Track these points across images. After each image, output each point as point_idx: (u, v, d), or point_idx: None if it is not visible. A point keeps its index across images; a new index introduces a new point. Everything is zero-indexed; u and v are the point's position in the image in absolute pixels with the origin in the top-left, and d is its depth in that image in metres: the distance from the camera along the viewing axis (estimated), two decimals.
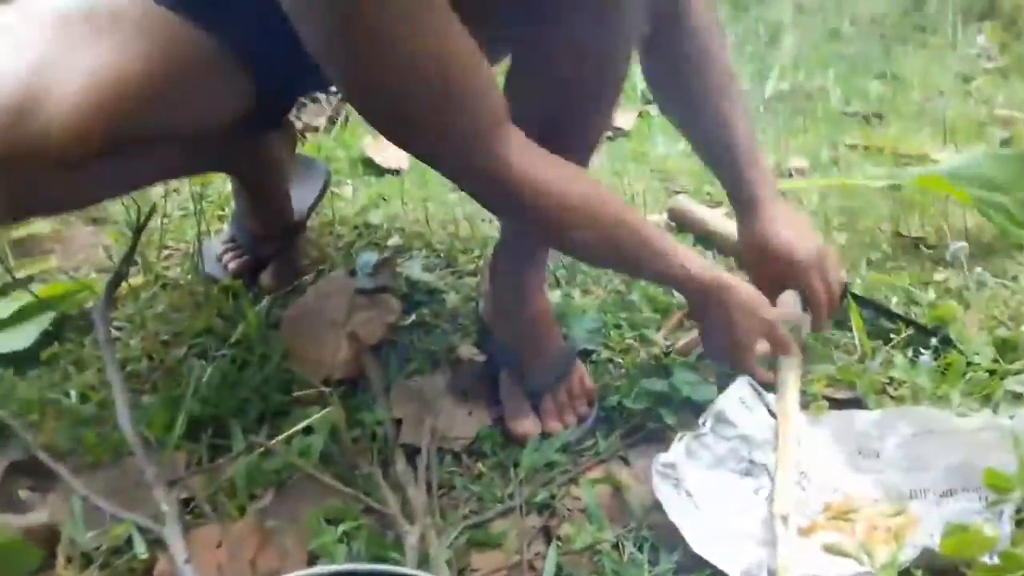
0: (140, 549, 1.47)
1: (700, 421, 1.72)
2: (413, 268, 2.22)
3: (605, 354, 1.96)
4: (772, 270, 1.85)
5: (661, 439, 1.76)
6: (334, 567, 1.12)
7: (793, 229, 1.85)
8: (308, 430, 1.71)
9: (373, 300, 2.08)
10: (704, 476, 1.66)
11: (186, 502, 1.58)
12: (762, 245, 1.86)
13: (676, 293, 2.11)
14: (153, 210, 2.01)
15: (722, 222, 2.41)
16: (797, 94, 3.81)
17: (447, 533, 1.52)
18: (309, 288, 2.12)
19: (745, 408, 1.71)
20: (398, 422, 1.76)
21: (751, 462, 1.68)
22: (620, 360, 1.94)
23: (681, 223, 2.52)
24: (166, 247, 2.40)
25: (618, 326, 2.04)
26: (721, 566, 1.49)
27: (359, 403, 1.80)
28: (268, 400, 1.81)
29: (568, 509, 1.63)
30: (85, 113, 1.28)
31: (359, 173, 2.98)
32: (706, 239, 2.45)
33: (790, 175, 2.95)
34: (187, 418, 1.71)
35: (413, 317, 2.06)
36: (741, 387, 1.73)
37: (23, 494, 1.61)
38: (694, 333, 1.86)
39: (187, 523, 1.52)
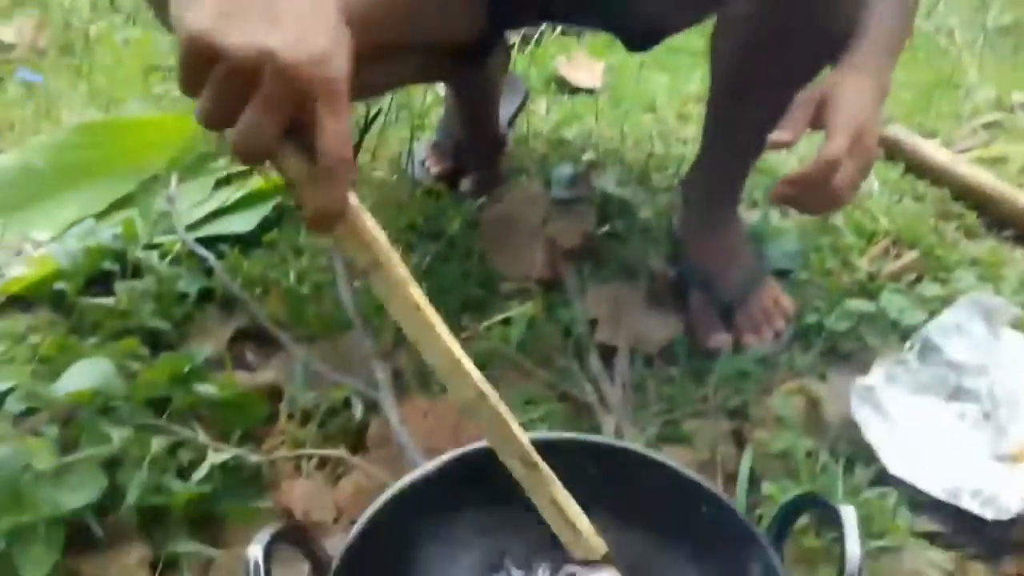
0: (357, 411, 1.57)
1: (906, 346, 1.68)
2: (607, 182, 2.23)
3: (804, 276, 1.92)
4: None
5: (860, 361, 1.73)
6: (538, 433, 1.17)
7: (855, 96, 1.55)
8: (507, 322, 1.77)
9: (568, 209, 2.11)
10: (905, 401, 1.62)
11: (394, 376, 1.68)
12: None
13: (882, 219, 2.05)
14: (379, 113, 2.10)
15: (936, 152, 2.30)
16: (1020, 28, 3.54)
17: (641, 425, 1.56)
18: (507, 196, 2.18)
19: (959, 333, 1.65)
20: (592, 323, 1.79)
21: (958, 388, 1.62)
22: (821, 282, 1.90)
23: (892, 152, 2.41)
24: (372, 152, 2.51)
25: (819, 250, 1.99)
26: (921, 486, 1.47)
27: (555, 303, 1.84)
28: (468, 293, 1.88)
29: (761, 417, 1.63)
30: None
31: (551, 91, 3.00)
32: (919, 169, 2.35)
33: (1011, 110, 2.76)
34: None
35: (607, 228, 2.08)
36: (959, 311, 1.66)
37: (250, 357, 1.75)
38: (905, 259, 1.80)
39: (396, 394, 1.61)
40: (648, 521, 1.09)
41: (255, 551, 0.84)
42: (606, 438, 1.18)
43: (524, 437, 1.01)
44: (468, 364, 0.96)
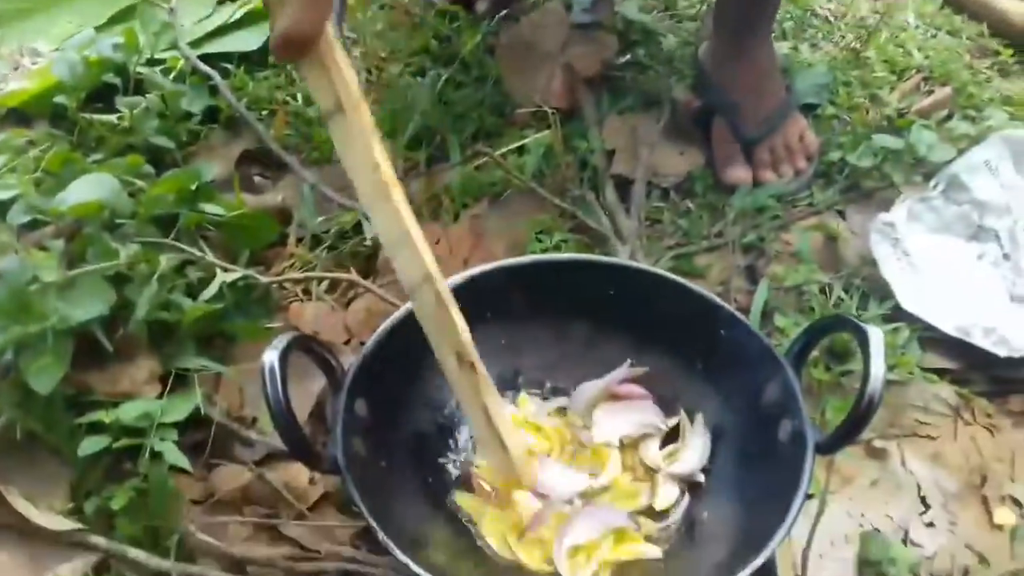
0: (368, 234, 1.54)
1: (931, 183, 1.64)
2: (630, 8, 2.12)
3: (831, 111, 1.85)
4: None
5: (881, 199, 1.69)
6: (552, 256, 1.14)
7: None
8: (522, 150, 1.72)
9: (588, 35, 2.01)
10: (925, 239, 1.59)
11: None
12: None
13: (915, 53, 1.96)
14: None
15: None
16: None
17: (655, 257, 1.54)
18: (524, 18, 2.07)
19: (987, 171, 1.60)
20: (609, 154, 1.74)
21: (980, 227, 1.59)
22: (847, 118, 1.83)
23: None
24: None
25: (847, 84, 1.91)
26: (934, 322, 1.46)
27: (572, 132, 1.78)
28: (483, 119, 1.82)
29: (777, 252, 1.60)
30: None
31: None
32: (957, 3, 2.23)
33: None
34: (407, 128, 1.74)
35: (628, 56, 1.99)
36: (989, 148, 1.61)
37: (257, 180, 1.71)
38: (936, 95, 1.73)
39: None
40: (665, 342, 1.09)
41: (271, 356, 0.83)
42: (624, 260, 1.15)
43: (465, 331, 0.91)
44: (419, 239, 0.87)
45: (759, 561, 0.81)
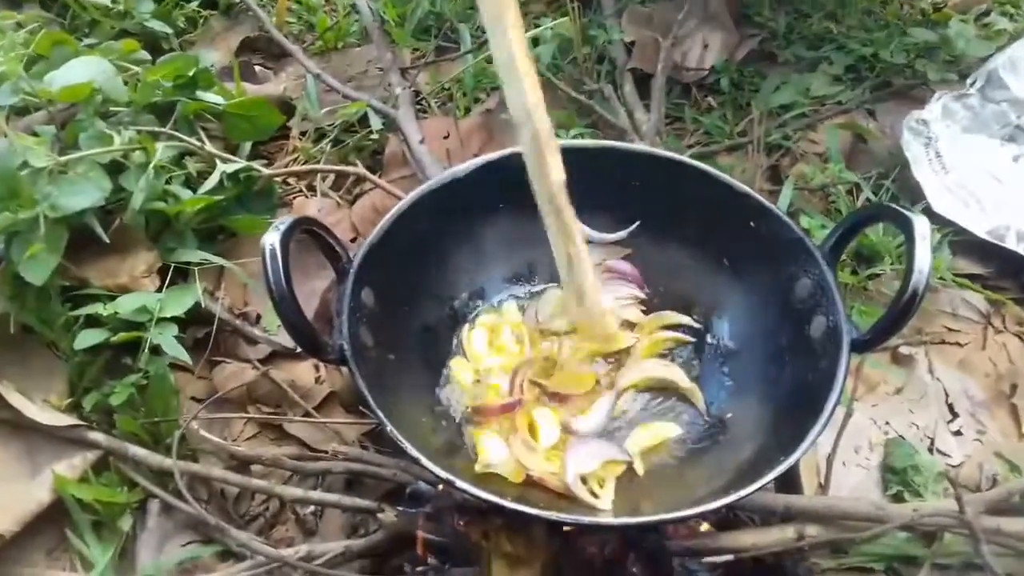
0: (376, 125, 1.47)
1: (968, 80, 1.55)
2: None
3: (862, 3, 1.75)
4: None
5: (913, 98, 1.61)
6: (573, 142, 1.07)
7: None
8: (537, 41, 1.63)
9: None
10: (959, 139, 1.52)
11: (414, 95, 1.56)
12: None
13: None
14: None
15: None
16: None
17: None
18: None
19: None
20: (629, 46, 1.65)
21: (1017, 127, 1.51)
22: (879, 10, 1.74)
23: None
24: None
25: None
26: (966, 225, 1.39)
27: (589, 23, 1.69)
28: None
29: (803, 151, 1.53)
30: None
31: None
32: None
33: None
34: (415, 15, 1.65)
35: None
36: None
37: (257, 69, 1.63)
38: None
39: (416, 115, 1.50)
40: (691, 235, 1.02)
41: (272, 237, 0.77)
42: (649, 147, 1.08)
43: (559, 176, 0.87)
44: (530, 74, 0.83)
45: (791, 460, 0.76)
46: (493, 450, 0.88)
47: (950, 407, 1.24)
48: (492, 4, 0.78)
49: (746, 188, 0.97)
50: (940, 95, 1.54)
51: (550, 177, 0.86)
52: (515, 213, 1.05)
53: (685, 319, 1.03)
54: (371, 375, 0.83)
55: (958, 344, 1.33)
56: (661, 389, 0.98)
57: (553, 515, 0.73)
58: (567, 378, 0.97)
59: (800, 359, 0.90)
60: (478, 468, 0.87)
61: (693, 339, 1.03)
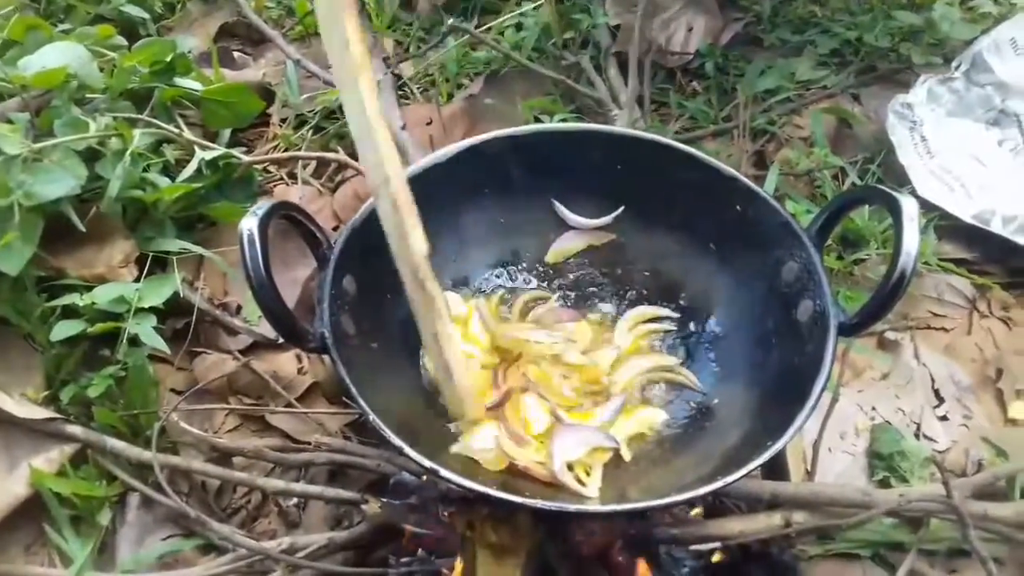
0: None
1: (953, 64, 1.55)
2: None
3: None
4: None
5: (898, 82, 1.60)
6: (557, 125, 1.06)
7: None
8: (519, 27, 1.61)
9: None
10: (944, 122, 1.51)
11: (395, 80, 1.55)
12: None
13: None
14: None
15: None
16: None
17: None
18: None
19: (1013, 50, 1.51)
20: (614, 29, 1.64)
21: (1002, 111, 1.51)
22: None
23: None
24: None
25: None
26: (951, 210, 1.39)
27: (573, 6, 1.67)
28: None
29: (788, 136, 1.52)
30: None
31: None
32: None
33: None
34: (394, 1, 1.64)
35: None
36: (1017, 26, 1.51)
37: (236, 55, 1.61)
38: None
39: (397, 99, 1.48)
40: (678, 219, 1.01)
41: (250, 222, 0.75)
42: (632, 130, 1.06)
43: (421, 245, 0.79)
44: (383, 135, 0.76)
45: (779, 446, 0.75)
46: (479, 437, 0.87)
47: (936, 392, 1.24)
48: (345, 68, 0.73)
49: (733, 172, 0.96)
50: (925, 79, 1.54)
51: (411, 248, 0.79)
52: (498, 198, 1.04)
53: (663, 311, 1.02)
54: (353, 364, 0.81)
55: (944, 329, 1.33)
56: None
57: (539, 503, 0.72)
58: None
59: (787, 343, 0.90)
60: (455, 449, 0.86)
61: (675, 328, 1.02)
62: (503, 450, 0.85)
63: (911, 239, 0.78)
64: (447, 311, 0.83)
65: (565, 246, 1.07)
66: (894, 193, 0.81)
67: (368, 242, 0.90)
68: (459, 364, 0.86)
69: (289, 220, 0.84)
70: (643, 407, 0.94)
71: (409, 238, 0.78)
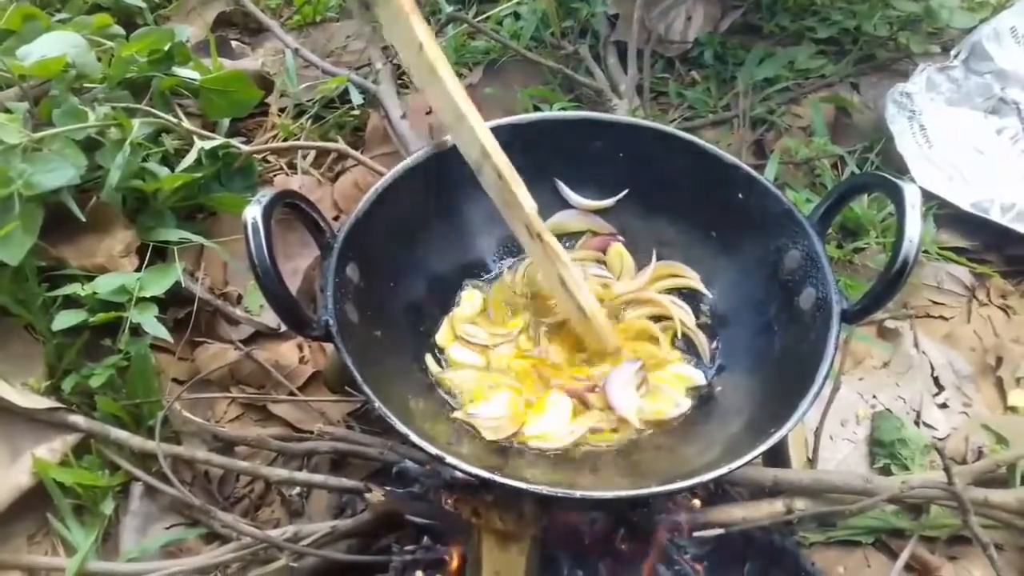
0: (357, 100, 1.45)
1: (952, 52, 1.55)
2: None
3: None
4: None
5: (896, 71, 1.61)
6: (558, 113, 1.06)
7: None
8: (518, 16, 1.61)
9: None
10: (943, 111, 1.51)
11: (395, 70, 1.54)
12: None
13: None
14: None
15: None
16: None
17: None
18: None
19: (1013, 39, 1.51)
20: (613, 19, 1.64)
21: (1001, 100, 1.51)
22: None
23: None
24: None
25: None
26: (949, 198, 1.39)
27: None
28: None
29: (787, 126, 1.52)
30: None
31: None
32: None
33: None
34: None
35: None
36: (1018, 14, 1.52)
37: (234, 44, 1.60)
38: None
39: (398, 92, 1.48)
40: (679, 207, 1.01)
41: (254, 211, 0.75)
42: (634, 118, 1.06)
43: (531, 204, 0.88)
44: (475, 116, 0.84)
45: (783, 432, 0.75)
46: (491, 406, 0.89)
47: (936, 380, 1.24)
48: (422, 65, 0.80)
49: (735, 159, 0.96)
50: (924, 67, 1.54)
51: (523, 207, 0.87)
52: None
53: (692, 276, 1.03)
54: (357, 352, 0.81)
55: (943, 318, 1.33)
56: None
57: (545, 489, 0.72)
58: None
59: (790, 331, 0.90)
60: (458, 415, 0.88)
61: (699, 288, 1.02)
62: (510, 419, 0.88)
63: (914, 226, 0.79)
64: (566, 255, 0.90)
65: (565, 221, 1.07)
66: (896, 180, 0.81)
67: (371, 231, 0.90)
68: (591, 301, 0.92)
69: (292, 209, 0.84)
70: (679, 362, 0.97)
71: (519, 198, 0.87)
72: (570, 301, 0.91)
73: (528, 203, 0.87)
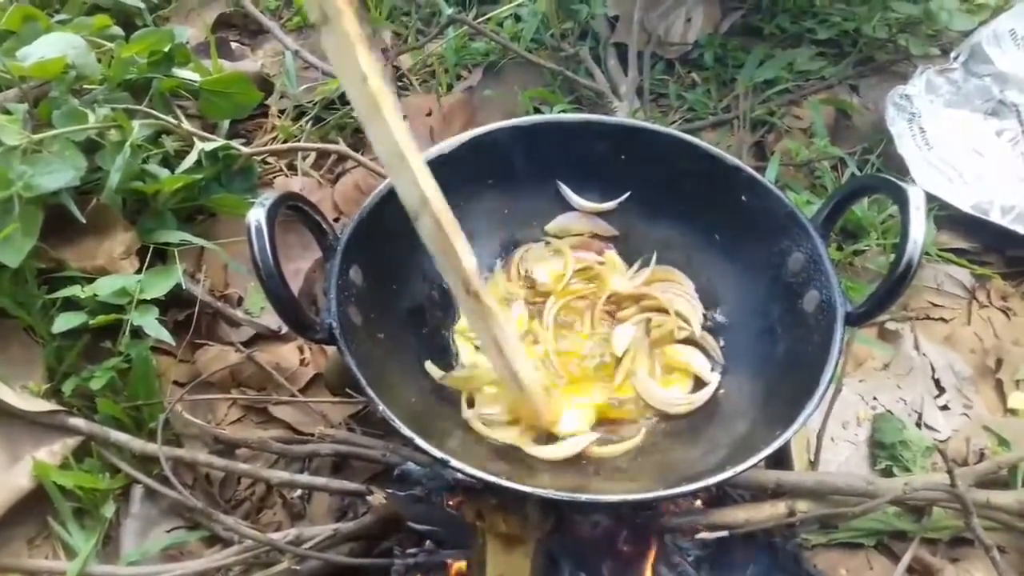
0: None
1: (952, 54, 1.55)
2: None
3: None
4: None
5: (896, 73, 1.61)
6: (559, 116, 1.06)
7: None
8: (518, 17, 1.61)
9: None
10: (942, 113, 1.51)
11: (394, 72, 1.54)
12: None
13: None
14: None
15: None
16: None
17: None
18: None
19: (1013, 41, 1.51)
20: (613, 20, 1.64)
21: (1000, 102, 1.51)
22: None
23: None
24: None
25: None
26: (949, 200, 1.39)
27: None
28: None
29: (788, 128, 1.52)
30: None
31: None
32: None
33: None
34: None
35: None
36: (1017, 17, 1.52)
37: (234, 45, 1.60)
38: None
39: (397, 93, 1.48)
40: (682, 209, 1.01)
41: (257, 213, 0.75)
42: (635, 120, 1.06)
43: (469, 259, 0.80)
44: (416, 159, 0.76)
45: (788, 434, 0.75)
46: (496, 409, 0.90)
47: (936, 382, 1.24)
48: (364, 99, 0.73)
49: (737, 161, 0.96)
50: (923, 69, 1.54)
51: (462, 263, 0.79)
52: (502, 189, 1.04)
53: (688, 285, 1.03)
54: (360, 354, 0.81)
55: (943, 319, 1.33)
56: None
57: (550, 493, 0.72)
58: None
59: (793, 334, 0.90)
60: (464, 417, 0.88)
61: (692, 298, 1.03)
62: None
63: (918, 228, 0.79)
64: (504, 316, 0.82)
65: (568, 223, 1.07)
66: (900, 183, 0.81)
67: (374, 233, 0.90)
68: (527, 368, 0.85)
69: (295, 211, 0.84)
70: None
71: (458, 254, 0.78)
72: (505, 368, 0.84)
73: (467, 259, 0.80)
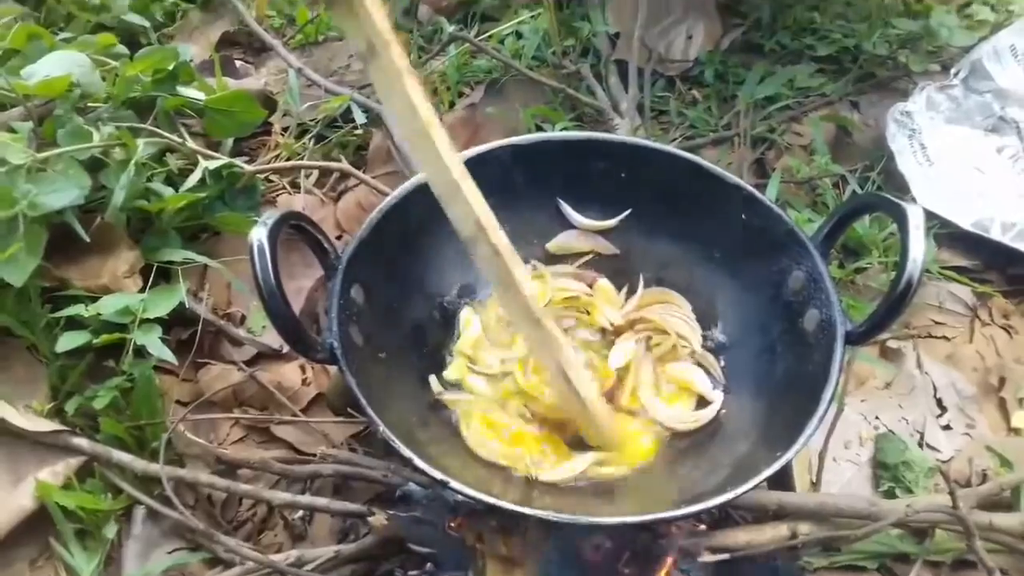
0: (360, 119, 1.45)
1: (952, 71, 1.56)
2: None
3: None
4: None
5: (896, 89, 1.61)
6: (560, 134, 1.06)
7: None
8: (519, 35, 1.62)
9: None
10: (943, 130, 1.52)
11: None
12: None
13: None
14: None
15: None
16: None
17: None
18: None
19: (1013, 57, 1.52)
20: (614, 38, 1.64)
21: (1001, 118, 1.51)
22: (861, 2, 1.73)
23: None
24: None
25: None
26: (950, 218, 1.39)
27: (573, 14, 1.68)
28: (479, 1, 1.70)
29: (788, 144, 1.52)
30: None
31: None
32: None
33: None
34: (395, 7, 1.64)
35: None
36: (1017, 33, 1.52)
37: (238, 63, 1.61)
38: None
39: None
40: (682, 227, 1.01)
41: (260, 233, 0.75)
42: (636, 138, 1.07)
43: (527, 283, 0.79)
44: (470, 186, 0.75)
45: (790, 455, 0.75)
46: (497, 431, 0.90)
47: (938, 401, 1.24)
48: (415, 130, 0.72)
49: (737, 180, 0.97)
50: (924, 86, 1.54)
51: (521, 290, 0.78)
52: (502, 207, 1.02)
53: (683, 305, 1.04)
54: (362, 374, 0.81)
55: (945, 338, 1.33)
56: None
57: (550, 515, 0.72)
58: None
59: (794, 353, 0.90)
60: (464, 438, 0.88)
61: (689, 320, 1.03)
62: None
63: (917, 247, 0.79)
64: (567, 343, 0.82)
65: (569, 242, 1.08)
66: (900, 202, 0.81)
67: (376, 252, 0.90)
68: (593, 392, 0.85)
69: (297, 230, 0.84)
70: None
71: (517, 282, 0.78)
72: (573, 394, 0.84)
73: (528, 287, 0.79)
